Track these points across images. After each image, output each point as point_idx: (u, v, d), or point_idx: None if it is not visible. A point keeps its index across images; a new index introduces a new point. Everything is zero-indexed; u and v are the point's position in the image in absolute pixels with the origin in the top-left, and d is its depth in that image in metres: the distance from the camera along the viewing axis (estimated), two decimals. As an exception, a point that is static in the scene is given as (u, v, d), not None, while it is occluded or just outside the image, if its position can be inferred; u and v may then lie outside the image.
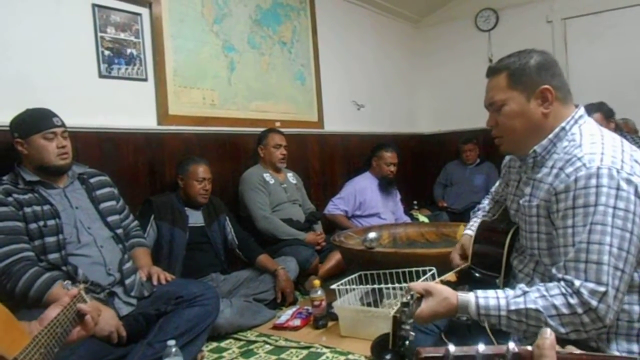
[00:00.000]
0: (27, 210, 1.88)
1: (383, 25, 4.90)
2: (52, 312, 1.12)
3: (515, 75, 1.30)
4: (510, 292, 1.19)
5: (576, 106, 1.35)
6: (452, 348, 0.60)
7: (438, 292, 1.20)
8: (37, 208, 1.90)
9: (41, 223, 1.88)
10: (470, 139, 4.57)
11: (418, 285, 1.24)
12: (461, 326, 1.48)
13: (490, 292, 1.20)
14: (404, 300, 1.16)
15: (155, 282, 2.13)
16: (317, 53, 4.05)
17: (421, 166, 5.25)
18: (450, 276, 1.67)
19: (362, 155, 4.26)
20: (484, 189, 4.16)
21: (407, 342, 1.11)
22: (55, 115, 2.00)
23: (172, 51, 2.96)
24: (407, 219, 4.02)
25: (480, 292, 1.20)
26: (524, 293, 1.16)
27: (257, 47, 3.54)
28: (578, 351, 0.62)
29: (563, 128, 1.28)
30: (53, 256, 1.89)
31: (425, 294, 1.21)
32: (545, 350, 0.59)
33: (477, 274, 1.58)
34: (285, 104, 3.75)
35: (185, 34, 3.05)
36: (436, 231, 3.13)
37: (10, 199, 1.86)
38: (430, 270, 2.27)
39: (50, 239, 1.89)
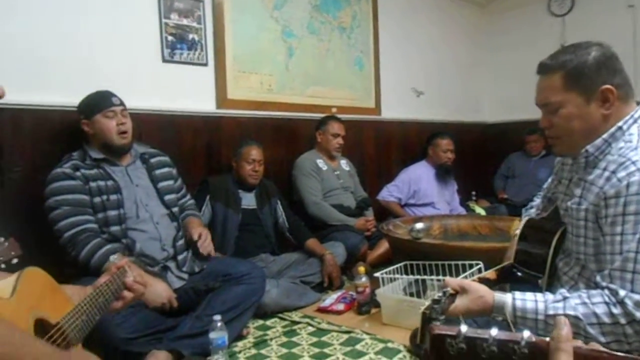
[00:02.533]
0: (93, 184, 2.03)
1: (447, 10, 4.76)
2: (101, 280, 1.22)
3: (572, 75, 1.20)
4: (550, 296, 1.15)
5: (638, 103, 1.26)
6: (464, 328, 0.60)
7: (474, 290, 1.18)
8: (102, 183, 2.05)
9: (104, 197, 2.03)
10: (535, 130, 4.35)
11: (454, 281, 1.22)
12: (500, 325, 1.45)
13: (529, 295, 1.16)
14: (436, 297, 1.16)
15: (200, 242, 2.19)
16: (377, 39, 4.00)
17: (483, 156, 5.08)
18: (490, 274, 1.63)
19: (420, 144, 4.20)
20: (548, 183, 3.97)
21: None
22: (114, 95, 2.15)
23: (232, 37, 3.05)
24: (462, 210, 3.94)
25: (518, 294, 1.17)
26: (565, 299, 1.13)
27: (316, 32, 3.56)
28: (601, 348, 0.60)
29: (620, 128, 1.19)
30: (114, 228, 2.03)
31: (461, 291, 1.19)
32: (561, 343, 0.57)
33: (519, 273, 1.54)
34: (342, 90, 3.76)
35: (245, 20, 3.12)
36: (489, 224, 3.04)
37: (78, 173, 2.02)
38: (477, 264, 2.23)
39: (112, 213, 2.04)
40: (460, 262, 2.28)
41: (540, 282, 1.42)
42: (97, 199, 2.03)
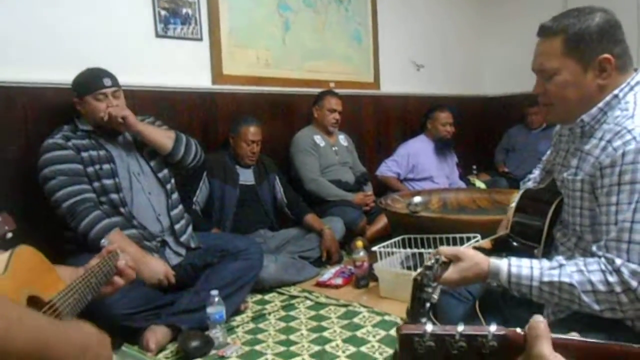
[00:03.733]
0: (84, 154, 2.01)
1: (448, -21, 4.65)
2: (93, 261, 1.23)
3: (573, 41, 1.16)
4: (546, 263, 1.15)
5: (635, 70, 1.22)
6: (429, 327, 0.59)
7: (468, 257, 1.18)
8: (94, 153, 2.03)
9: (97, 167, 2.01)
10: (536, 102, 4.29)
11: (447, 249, 1.23)
12: (496, 296, 1.46)
13: (525, 261, 1.16)
14: (428, 263, 1.16)
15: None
16: (375, 11, 3.93)
17: (484, 130, 5.04)
18: (485, 243, 1.63)
19: (419, 118, 4.16)
20: (549, 156, 3.95)
21: (427, 305, 1.11)
22: (106, 75, 2.09)
23: (227, 11, 2.99)
24: (462, 184, 3.92)
25: (514, 260, 1.17)
26: (560, 266, 1.12)
27: (313, 5, 3.49)
28: (579, 338, 0.59)
29: (616, 96, 1.16)
30: (113, 196, 2.02)
31: (455, 259, 1.19)
32: (540, 330, 0.56)
33: (515, 243, 1.54)
34: (340, 64, 3.71)
35: (240, -7, 3.06)
36: (489, 197, 3.04)
37: (69, 143, 2.00)
38: (475, 237, 2.23)
39: (108, 181, 2.02)
40: (458, 235, 2.28)
41: (536, 252, 1.42)
42: (90, 169, 2.01)
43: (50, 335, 0.71)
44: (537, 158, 4.21)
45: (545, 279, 1.11)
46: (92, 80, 2.07)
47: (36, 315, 0.73)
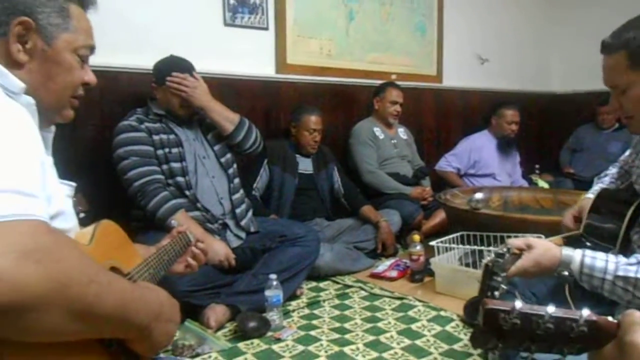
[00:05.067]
0: (156, 137, 2.10)
1: (518, -28, 4.48)
2: (164, 242, 1.29)
3: (637, 54, 1.13)
4: (622, 258, 1.11)
5: None
6: (518, 304, 0.59)
7: (540, 243, 1.17)
8: (164, 136, 2.12)
9: (167, 150, 2.10)
10: (608, 100, 4.05)
11: (517, 240, 1.21)
12: (561, 297, 1.41)
13: (600, 254, 1.13)
14: (500, 251, 1.14)
15: None
16: (442, 2, 3.85)
17: (549, 128, 4.83)
18: (557, 240, 1.57)
19: (482, 113, 4.05)
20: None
21: (496, 294, 1.09)
22: (184, 67, 2.16)
23: (293, 1, 3.02)
24: (524, 183, 3.79)
25: (589, 252, 1.13)
26: (639, 262, 1.08)
27: (378, -4, 3.46)
28: None
29: None
30: (180, 179, 2.10)
31: (526, 248, 1.17)
32: (636, 317, 0.55)
33: (587, 243, 1.48)
34: (402, 57, 3.66)
35: (306, -18, 3.08)
36: (553, 198, 2.92)
37: (142, 126, 2.10)
38: (538, 237, 2.14)
39: (175, 165, 2.11)
40: (520, 235, 2.20)
41: (611, 254, 1.36)
42: (160, 152, 2.10)
43: (132, 299, 0.75)
44: (607, 160, 4.04)
45: (621, 273, 1.08)
46: (169, 70, 2.14)
47: (121, 280, 0.77)
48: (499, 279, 1.09)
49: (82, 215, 1.33)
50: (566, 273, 1.14)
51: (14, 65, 0.84)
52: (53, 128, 0.97)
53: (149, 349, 0.83)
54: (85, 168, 2.25)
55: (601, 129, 4.24)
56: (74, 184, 0.98)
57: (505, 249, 1.14)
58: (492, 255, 1.15)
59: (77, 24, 0.91)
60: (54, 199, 0.78)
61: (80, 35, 0.92)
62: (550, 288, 1.41)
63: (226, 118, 2.24)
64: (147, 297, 0.80)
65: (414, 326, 1.96)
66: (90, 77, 0.99)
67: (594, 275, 1.10)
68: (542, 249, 1.15)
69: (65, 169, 0.91)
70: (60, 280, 0.60)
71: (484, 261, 1.13)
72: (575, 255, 1.13)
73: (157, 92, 2.18)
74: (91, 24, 0.97)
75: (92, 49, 0.97)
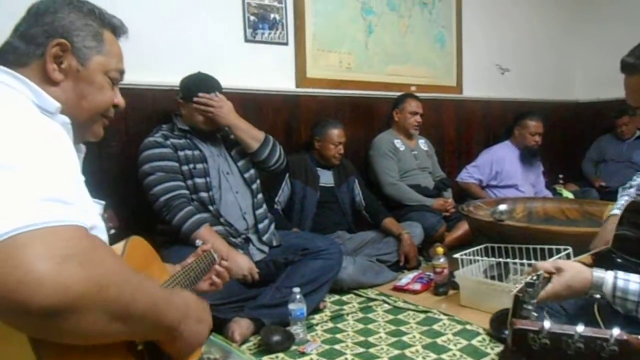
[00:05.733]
0: (181, 153, 2.14)
1: (538, -19, 4.46)
2: (189, 260, 1.31)
3: None
4: None
5: None
6: (547, 324, 0.58)
7: (570, 266, 1.15)
8: (189, 152, 2.16)
9: (191, 166, 2.14)
10: (624, 111, 3.93)
11: (546, 263, 1.18)
12: (590, 315, 1.37)
13: (634, 276, 1.10)
14: (529, 279, 1.12)
15: None
16: (460, 13, 3.85)
17: (572, 138, 4.76)
18: (585, 258, 1.54)
19: (503, 124, 4.01)
20: (646, 166, 3.66)
21: None
22: (211, 85, 2.21)
23: (312, 15, 3.06)
24: (548, 194, 3.73)
25: (621, 273, 1.11)
26: None
27: (397, 9, 3.48)
28: None
29: None
30: (203, 195, 2.13)
31: (556, 271, 1.15)
32: None
33: (618, 259, 1.44)
34: (422, 68, 3.66)
35: (325, -2, 3.12)
36: (579, 209, 2.86)
37: (168, 142, 2.14)
38: (565, 249, 2.11)
39: (199, 180, 2.14)
40: (546, 247, 2.17)
41: (643, 269, 1.32)
42: (185, 167, 2.13)
43: (161, 299, 0.77)
44: (632, 169, 3.95)
45: None
46: (195, 89, 2.18)
47: (150, 281, 0.79)
48: (530, 307, 1.07)
49: (112, 231, 1.37)
50: (598, 296, 1.12)
51: (48, 82, 0.88)
52: (84, 148, 1.01)
53: (181, 350, 0.85)
54: (111, 183, 2.30)
55: (622, 139, 4.17)
56: (103, 202, 1.01)
57: (535, 277, 1.12)
58: (522, 283, 1.13)
59: (109, 48, 0.96)
60: (89, 213, 0.81)
61: (113, 59, 0.97)
62: (580, 302, 1.38)
63: (252, 136, 2.27)
64: (173, 298, 0.83)
65: (439, 340, 1.93)
66: (120, 100, 1.03)
67: (627, 298, 1.07)
68: (573, 271, 1.13)
69: (92, 185, 0.93)
70: (100, 282, 0.63)
71: (513, 292, 1.10)
72: (607, 277, 1.10)
73: (183, 108, 2.22)
74: (122, 50, 1.02)
75: (122, 73, 1.02)
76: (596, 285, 1.11)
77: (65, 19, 0.90)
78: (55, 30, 0.89)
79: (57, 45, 0.88)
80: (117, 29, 1.01)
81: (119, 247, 0.98)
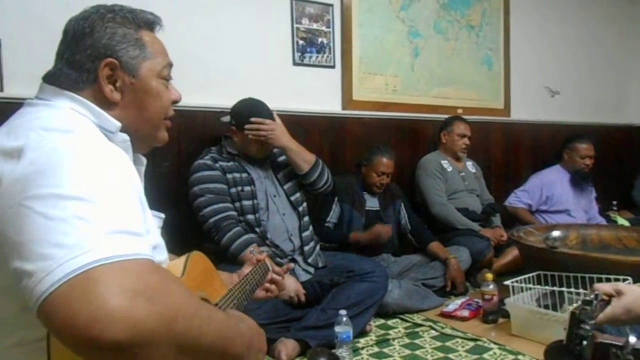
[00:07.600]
0: (229, 176, 2.19)
1: (589, 2, 4.35)
2: (245, 270, 1.32)
3: None
4: None
5: None
6: (632, 339, 0.55)
7: (631, 290, 1.12)
8: (237, 175, 2.21)
9: (239, 188, 2.19)
10: None
11: (606, 285, 1.15)
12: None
13: None
14: (587, 298, 1.09)
15: None
16: (508, 35, 3.80)
17: (626, 163, 4.56)
18: (648, 287, 1.47)
19: (553, 147, 3.89)
20: None
21: (584, 342, 1.04)
22: (262, 112, 2.24)
23: (359, 39, 3.10)
24: (602, 220, 3.58)
25: None
26: None
27: (443, 32, 3.48)
28: None
29: None
30: (249, 217, 2.17)
31: (616, 294, 1.12)
32: None
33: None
34: (468, 90, 3.63)
35: (372, 22, 3.15)
36: (638, 237, 2.72)
37: (217, 165, 2.20)
38: (625, 279, 2.00)
39: (247, 202, 2.18)
40: (604, 276, 2.06)
41: None
42: (233, 190, 2.18)
43: (229, 329, 0.76)
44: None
45: None
46: (248, 116, 2.22)
47: (219, 312, 0.78)
48: (587, 327, 1.03)
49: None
50: None
51: (109, 106, 0.88)
52: (144, 161, 1.01)
53: None
54: (162, 203, 2.36)
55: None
56: (163, 215, 1.02)
57: (592, 296, 1.09)
58: (579, 301, 1.10)
59: (152, 49, 0.94)
60: (150, 233, 0.83)
61: (158, 58, 0.95)
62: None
63: (303, 158, 2.30)
64: (240, 327, 0.81)
65: (490, 370, 1.87)
66: (176, 95, 1.01)
67: None
68: (633, 295, 1.10)
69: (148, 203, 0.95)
70: (170, 316, 0.62)
71: (571, 308, 1.08)
72: None
73: (235, 135, 2.27)
74: (163, 44, 0.99)
75: (170, 65, 0.99)
76: None
77: (103, 37, 0.88)
78: (98, 52, 0.87)
79: (106, 65, 0.87)
80: (153, 24, 0.97)
81: (180, 262, 0.99)
